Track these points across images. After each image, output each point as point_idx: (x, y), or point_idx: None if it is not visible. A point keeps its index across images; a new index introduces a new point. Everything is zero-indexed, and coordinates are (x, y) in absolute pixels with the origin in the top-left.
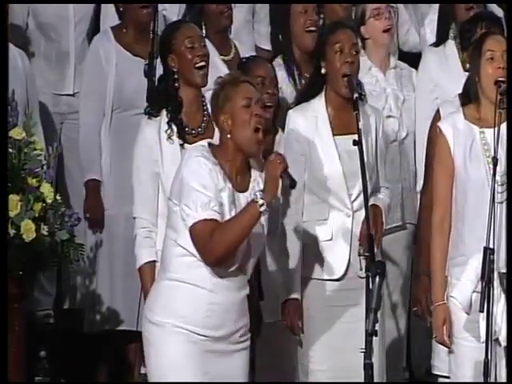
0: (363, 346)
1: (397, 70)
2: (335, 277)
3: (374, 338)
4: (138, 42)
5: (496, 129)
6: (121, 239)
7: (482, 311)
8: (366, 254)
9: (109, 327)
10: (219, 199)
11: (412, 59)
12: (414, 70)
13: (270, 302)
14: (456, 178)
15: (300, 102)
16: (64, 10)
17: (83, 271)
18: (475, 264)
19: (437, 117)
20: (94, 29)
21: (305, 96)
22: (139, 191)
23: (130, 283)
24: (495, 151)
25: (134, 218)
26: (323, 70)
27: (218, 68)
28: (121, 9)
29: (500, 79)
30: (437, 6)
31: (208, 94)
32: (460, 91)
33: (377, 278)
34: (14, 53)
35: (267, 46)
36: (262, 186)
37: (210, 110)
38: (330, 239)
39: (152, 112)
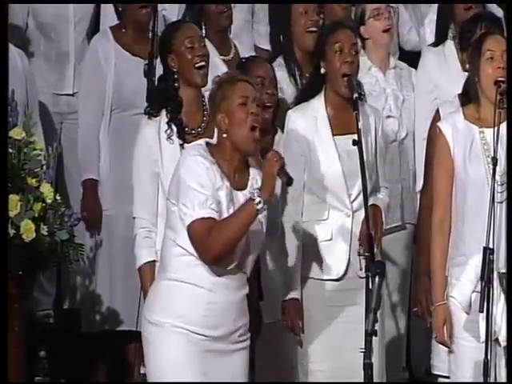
0: (363, 346)
1: (396, 70)
2: (335, 277)
3: (374, 337)
4: (137, 42)
5: (496, 129)
6: (120, 239)
7: (482, 311)
8: (366, 253)
9: (108, 327)
10: (217, 197)
11: (413, 58)
12: (413, 69)
13: (270, 302)
14: (456, 177)
15: (299, 102)
16: (64, 10)
17: (83, 271)
18: (475, 264)
19: (436, 117)
20: (94, 29)
21: (304, 96)
22: (139, 191)
23: (130, 283)
24: (495, 151)
25: (134, 217)
26: (323, 70)
27: (218, 68)
28: (120, 9)
29: (500, 79)
30: (436, 5)
31: (208, 94)
32: (459, 91)
33: (376, 278)
34: (14, 53)
35: (266, 46)
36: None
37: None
38: (330, 239)
39: (152, 112)
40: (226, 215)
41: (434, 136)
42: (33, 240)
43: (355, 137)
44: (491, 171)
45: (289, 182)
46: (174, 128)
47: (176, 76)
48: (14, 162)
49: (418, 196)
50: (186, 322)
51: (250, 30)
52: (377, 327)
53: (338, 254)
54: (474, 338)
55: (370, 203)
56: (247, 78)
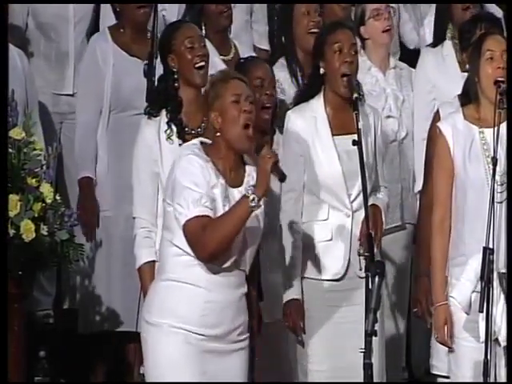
0: (363, 346)
1: (396, 70)
2: (335, 277)
3: (374, 337)
4: (136, 42)
5: (495, 129)
6: (119, 240)
7: (482, 311)
8: (366, 253)
9: (108, 327)
10: (211, 195)
11: (415, 58)
12: (413, 69)
13: (270, 302)
14: (456, 178)
15: (299, 103)
16: (64, 10)
17: (83, 271)
18: (475, 264)
19: (436, 117)
20: (94, 29)
21: (303, 96)
22: (139, 191)
23: (130, 283)
24: (495, 151)
25: (134, 217)
26: (322, 70)
27: (218, 68)
28: (117, 9)
29: (500, 79)
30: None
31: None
32: (457, 92)
33: (376, 278)
34: (13, 53)
35: (265, 46)
36: None
37: None
38: (330, 239)
39: (152, 112)
40: (221, 213)
41: (434, 136)
42: (33, 240)
43: (355, 137)
44: (491, 171)
45: (282, 178)
46: (174, 128)
47: (176, 76)
48: (14, 162)
49: (417, 196)
50: (184, 322)
51: (249, 30)
52: (377, 327)
53: (337, 254)
54: (474, 338)
55: (369, 203)
56: (240, 75)
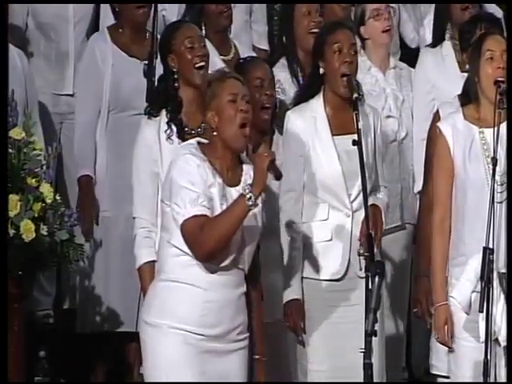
0: (363, 346)
1: (396, 70)
2: (335, 277)
3: (374, 338)
4: (135, 43)
5: (495, 129)
6: (119, 240)
7: (482, 311)
8: (366, 253)
9: (108, 328)
10: (209, 194)
11: (415, 58)
12: (413, 69)
13: (270, 302)
14: (456, 178)
15: (298, 103)
16: (64, 10)
17: (83, 271)
18: (475, 264)
19: (436, 117)
20: (94, 29)
21: (303, 96)
22: (139, 191)
23: (130, 283)
24: (495, 151)
25: (134, 217)
26: (321, 70)
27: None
28: (116, 9)
29: (500, 79)
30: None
31: None
32: (456, 92)
33: (376, 278)
34: (13, 52)
35: (265, 46)
36: None
37: None
38: (330, 239)
39: (152, 112)
40: (218, 212)
41: (434, 136)
42: (33, 240)
43: (354, 137)
44: (491, 171)
45: (278, 176)
46: (174, 128)
47: (176, 76)
48: (14, 162)
49: (418, 196)
50: (183, 323)
51: (248, 30)
52: (377, 327)
53: (337, 254)
54: (474, 338)
55: (369, 203)
56: (236, 74)
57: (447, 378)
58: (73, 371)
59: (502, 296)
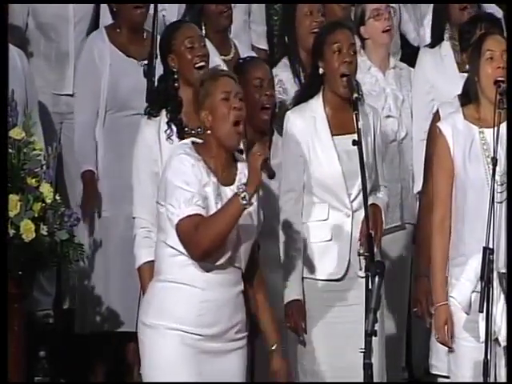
0: (363, 346)
1: (396, 69)
2: (335, 277)
3: (374, 337)
4: (132, 43)
5: (495, 129)
6: (119, 240)
7: (482, 311)
8: (366, 253)
9: (108, 328)
10: (203, 194)
11: (415, 58)
12: (413, 69)
13: (270, 302)
14: (456, 178)
15: (298, 103)
16: (64, 10)
17: (83, 271)
18: (475, 264)
19: (436, 117)
20: (94, 29)
21: (303, 97)
22: (139, 191)
23: (130, 283)
24: (495, 151)
25: (134, 217)
26: (321, 70)
27: None
28: (114, 9)
29: (499, 79)
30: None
31: None
32: (455, 92)
33: (376, 278)
34: (13, 52)
35: (264, 46)
36: None
37: None
38: (330, 239)
39: (152, 112)
40: (213, 211)
41: (434, 136)
42: (33, 240)
43: (354, 137)
44: (491, 171)
45: (271, 175)
46: (174, 128)
47: (176, 76)
48: (14, 162)
49: (418, 196)
50: (180, 323)
51: (247, 30)
52: (376, 327)
53: (337, 254)
54: (474, 338)
55: (369, 203)
56: (229, 72)
57: (447, 377)
58: (73, 371)
59: (502, 296)
